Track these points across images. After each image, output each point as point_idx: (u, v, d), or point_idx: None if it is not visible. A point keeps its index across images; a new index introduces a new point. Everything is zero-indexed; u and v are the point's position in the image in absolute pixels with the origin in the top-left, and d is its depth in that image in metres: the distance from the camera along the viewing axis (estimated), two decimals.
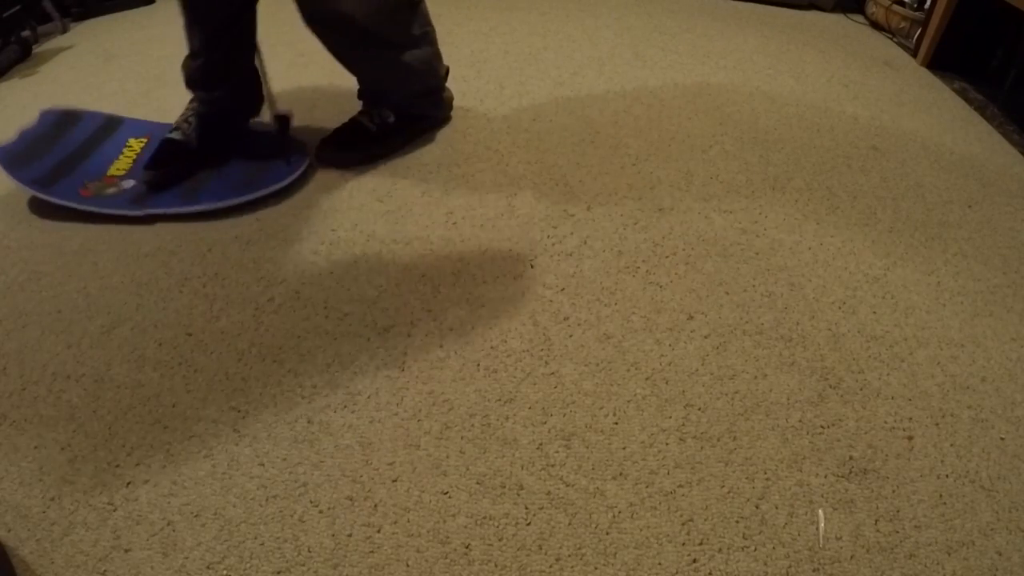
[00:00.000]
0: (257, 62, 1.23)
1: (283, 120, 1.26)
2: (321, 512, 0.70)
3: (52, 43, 1.88)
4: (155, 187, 1.18)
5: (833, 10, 2.29)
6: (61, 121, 1.32)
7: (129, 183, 1.19)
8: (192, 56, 1.21)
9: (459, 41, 1.86)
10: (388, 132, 1.32)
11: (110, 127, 1.34)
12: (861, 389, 0.86)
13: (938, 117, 1.57)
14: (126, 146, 1.29)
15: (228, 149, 1.28)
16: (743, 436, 0.79)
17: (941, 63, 1.82)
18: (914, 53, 1.91)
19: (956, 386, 0.87)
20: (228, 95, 1.24)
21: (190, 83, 1.24)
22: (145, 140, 1.30)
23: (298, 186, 1.22)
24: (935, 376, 0.88)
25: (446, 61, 1.38)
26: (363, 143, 1.29)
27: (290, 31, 1.79)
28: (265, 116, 1.31)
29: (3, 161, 1.17)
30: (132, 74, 1.67)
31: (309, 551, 0.67)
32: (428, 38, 1.29)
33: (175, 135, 1.23)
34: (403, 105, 1.33)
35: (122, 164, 1.24)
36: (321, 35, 1.22)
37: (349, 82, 1.33)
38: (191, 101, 1.27)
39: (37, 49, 1.83)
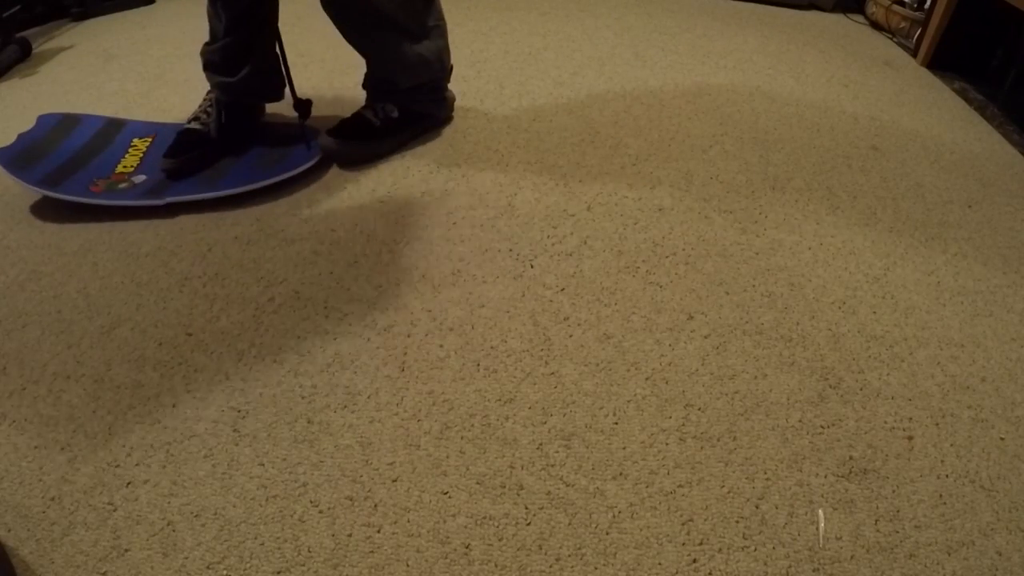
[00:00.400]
0: (278, 48, 1.23)
1: (304, 106, 1.26)
2: (321, 512, 0.70)
3: (52, 43, 1.88)
4: (174, 175, 1.18)
5: (833, 10, 2.29)
6: (60, 125, 1.31)
7: (140, 177, 1.19)
8: (212, 40, 1.21)
9: (459, 41, 1.85)
10: (391, 127, 1.32)
11: (112, 129, 1.33)
12: (861, 389, 0.86)
13: (938, 117, 1.57)
14: (131, 146, 1.28)
15: (247, 138, 1.27)
16: (743, 436, 0.79)
17: (941, 63, 1.82)
18: (914, 53, 1.91)
19: (956, 386, 0.87)
20: (247, 80, 1.23)
21: (209, 67, 1.23)
22: (150, 139, 1.30)
23: (298, 186, 1.22)
24: (935, 376, 0.88)
25: None
26: (366, 136, 1.30)
27: (290, 31, 1.79)
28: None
29: (3, 163, 1.15)
30: (132, 74, 1.67)
31: (309, 551, 0.67)
32: (440, 30, 1.31)
33: (194, 125, 1.22)
34: (407, 100, 1.33)
35: (129, 162, 1.23)
36: (337, 18, 1.23)
37: (349, 83, 1.33)
38: (208, 93, 1.27)
39: (37, 49, 1.83)
